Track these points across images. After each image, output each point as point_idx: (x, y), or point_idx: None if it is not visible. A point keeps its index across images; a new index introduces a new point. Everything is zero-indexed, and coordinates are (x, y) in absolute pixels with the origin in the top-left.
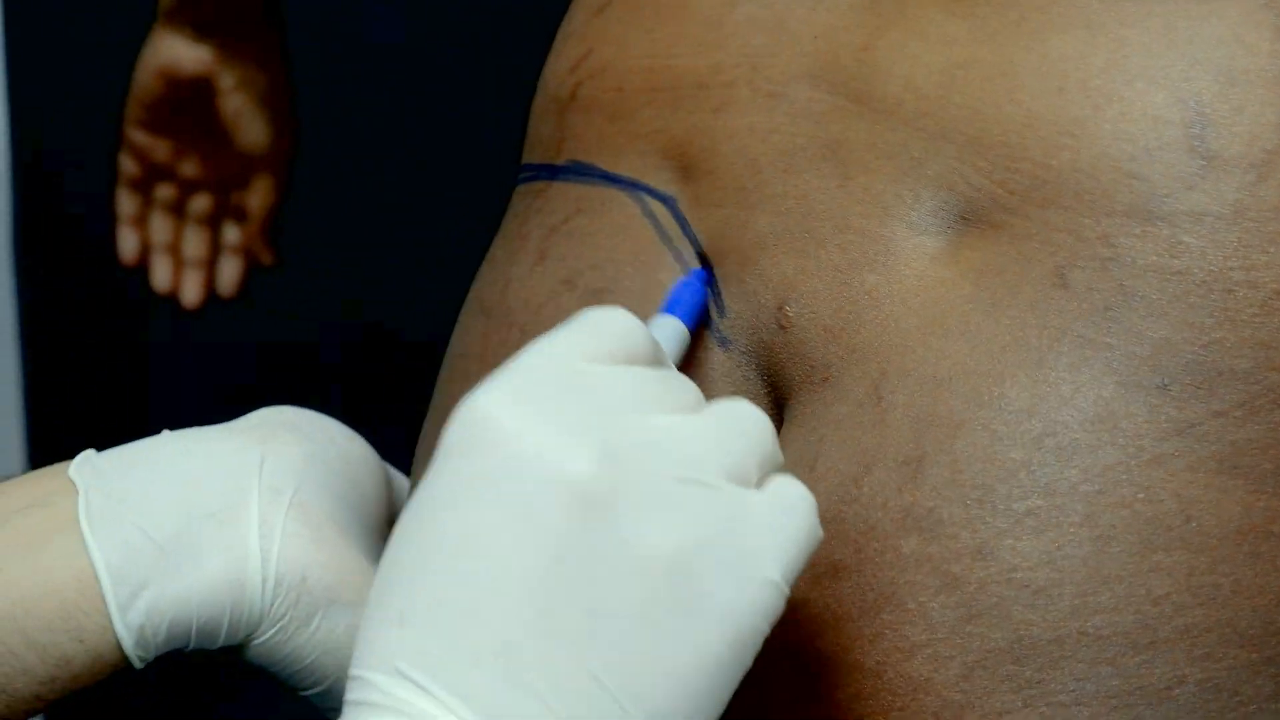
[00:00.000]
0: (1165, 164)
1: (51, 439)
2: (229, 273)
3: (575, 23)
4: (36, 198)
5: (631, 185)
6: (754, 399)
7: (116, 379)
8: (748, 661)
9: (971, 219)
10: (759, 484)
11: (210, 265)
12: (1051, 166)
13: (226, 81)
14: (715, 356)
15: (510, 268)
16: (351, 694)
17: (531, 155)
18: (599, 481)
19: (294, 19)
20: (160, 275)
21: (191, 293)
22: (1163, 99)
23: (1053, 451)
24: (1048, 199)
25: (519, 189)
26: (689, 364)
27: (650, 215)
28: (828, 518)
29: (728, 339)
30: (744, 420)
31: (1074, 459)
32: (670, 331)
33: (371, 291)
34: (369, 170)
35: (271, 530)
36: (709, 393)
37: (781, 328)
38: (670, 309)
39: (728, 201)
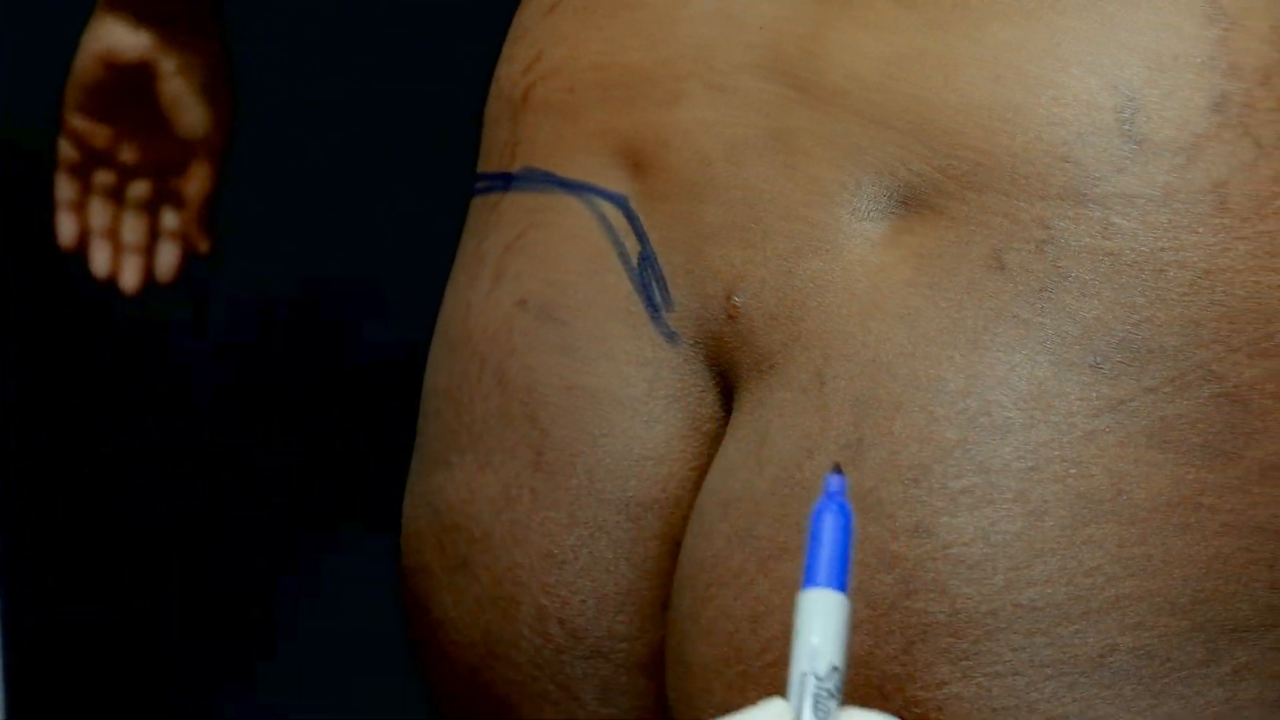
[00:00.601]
0: (1097, 148)
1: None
2: (167, 258)
3: (525, 24)
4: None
5: (583, 189)
6: (703, 391)
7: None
8: None
9: (912, 204)
10: None
11: (149, 251)
12: (989, 152)
13: (166, 67)
14: (663, 353)
15: (470, 292)
16: None
17: (487, 163)
18: None
19: (246, 21)
20: (99, 260)
21: (130, 278)
22: (1095, 85)
23: (987, 430)
24: (985, 183)
25: (475, 201)
26: (633, 363)
27: (601, 218)
28: (773, 502)
29: (675, 333)
30: None
31: (1008, 437)
32: (834, 616)
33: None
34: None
35: None
36: (657, 389)
37: (730, 317)
38: (818, 577)
39: (677, 196)
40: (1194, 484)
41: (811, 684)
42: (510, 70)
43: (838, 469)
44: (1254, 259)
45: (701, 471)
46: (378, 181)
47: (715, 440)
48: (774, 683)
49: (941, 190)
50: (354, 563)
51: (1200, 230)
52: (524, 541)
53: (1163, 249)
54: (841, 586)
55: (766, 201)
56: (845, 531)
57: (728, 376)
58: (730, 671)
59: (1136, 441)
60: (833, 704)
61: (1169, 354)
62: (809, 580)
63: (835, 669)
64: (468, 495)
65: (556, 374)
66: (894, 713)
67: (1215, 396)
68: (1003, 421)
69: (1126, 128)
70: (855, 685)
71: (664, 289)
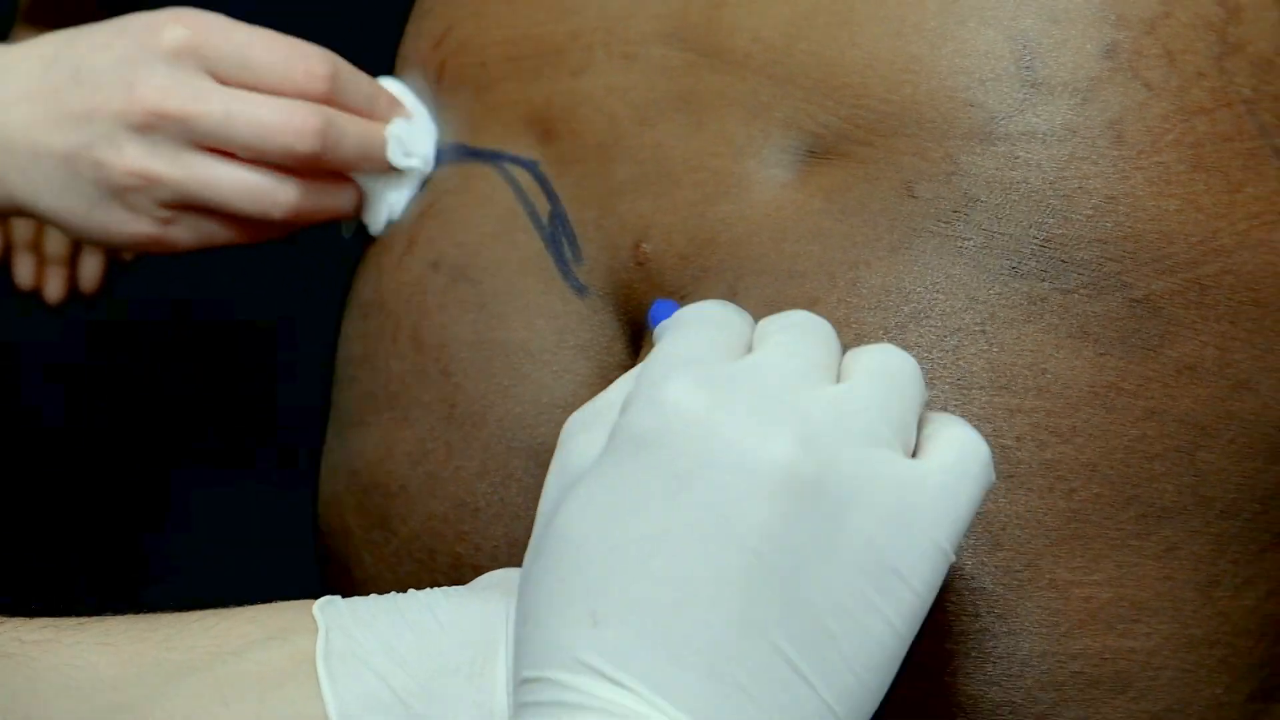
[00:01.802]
0: (999, 92)
1: None
2: (90, 269)
3: (431, 0)
4: None
5: (494, 156)
6: (611, 339)
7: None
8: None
9: (819, 152)
10: (919, 429)
11: (72, 262)
12: (894, 101)
13: None
14: (572, 305)
15: (383, 259)
16: (536, 695)
17: None
18: (803, 465)
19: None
20: (23, 272)
21: (54, 289)
22: (993, 35)
23: (910, 316)
24: (892, 129)
25: None
26: (544, 316)
27: (512, 181)
28: None
29: (584, 286)
30: (898, 370)
31: (929, 320)
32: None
33: (234, 284)
34: None
35: None
36: (567, 340)
37: (639, 264)
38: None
39: (587, 157)
40: (1115, 371)
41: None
42: (419, 46)
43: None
44: (1152, 185)
45: None
46: None
47: None
48: None
49: (849, 138)
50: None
51: (1100, 161)
52: (439, 492)
53: (1066, 178)
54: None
55: (676, 157)
56: (675, 305)
57: (636, 322)
58: None
59: (1057, 331)
60: None
61: (1081, 265)
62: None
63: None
64: (385, 452)
65: (469, 330)
66: None
67: (1129, 301)
68: (925, 306)
69: (1026, 73)
70: None
71: (574, 244)
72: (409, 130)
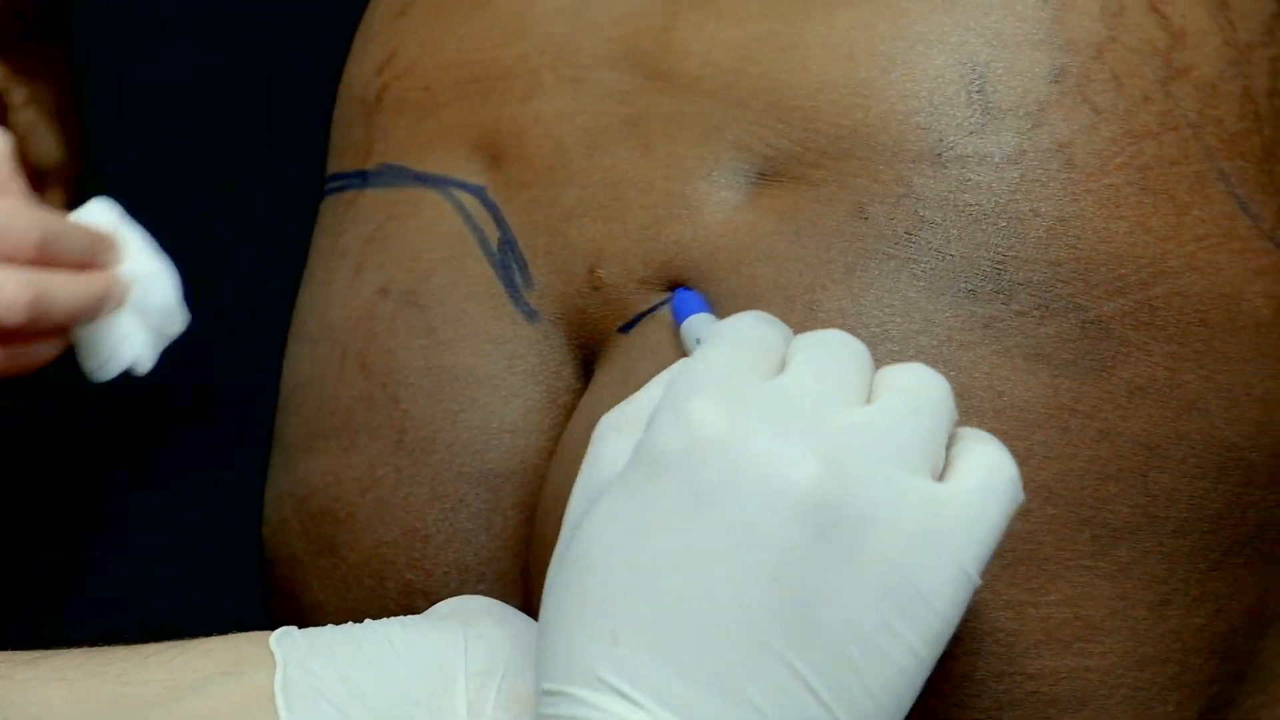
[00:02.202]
0: (950, 116)
1: None
2: None
3: (375, 26)
4: None
5: (441, 182)
6: (560, 365)
7: None
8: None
9: (770, 175)
10: (948, 447)
11: None
12: (845, 125)
13: (16, 98)
14: (522, 330)
15: (329, 286)
16: (556, 709)
17: (340, 163)
18: (826, 489)
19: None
20: None
21: None
22: (943, 60)
23: (867, 339)
24: (844, 152)
25: (328, 200)
26: (493, 341)
27: (460, 208)
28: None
29: (535, 311)
30: (928, 391)
31: (886, 343)
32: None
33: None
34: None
35: (480, 717)
36: (516, 365)
37: (594, 289)
38: (691, 307)
39: (536, 182)
40: (1069, 392)
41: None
42: (362, 71)
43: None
44: (1102, 208)
45: (557, 442)
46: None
47: (571, 412)
48: None
49: (800, 160)
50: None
51: (1050, 184)
52: (389, 519)
53: (1017, 200)
54: (706, 308)
55: (627, 181)
56: (698, 297)
57: (588, 346)
58: None
59: (1011, 354)
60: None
61: (1034, 286)
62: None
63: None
64: (333, 479)
65: (418, 356)
66: None
67: (1082, 323)
68: (881, 331)
69: (976, 97)
70: None
71: (524, 270)
72: (137, 273)
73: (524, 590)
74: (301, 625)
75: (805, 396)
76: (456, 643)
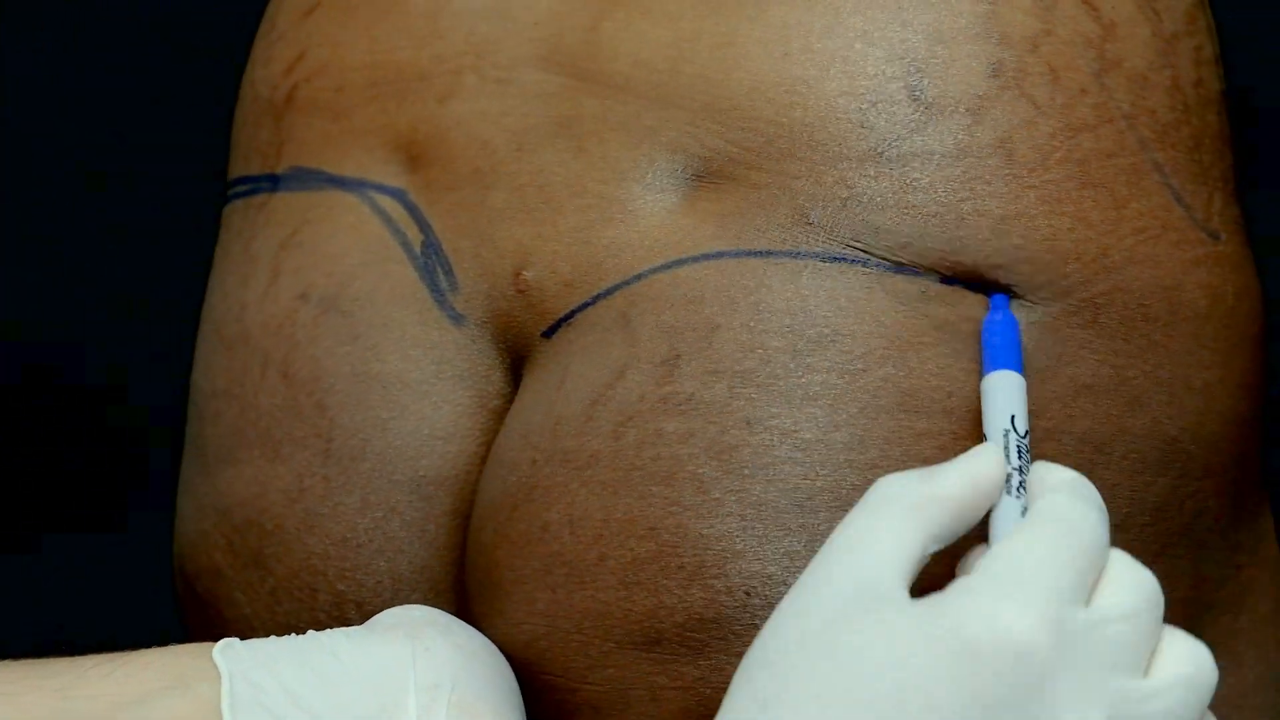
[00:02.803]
0: (890, 114)
1: None
2: None
3: (281, 26)
4: None
5: (358, 185)
6: (489, 369)
7: None
8: None
9: (706, 176)
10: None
11: None
12: (783, 123)
13: None
14: (449, 334)
15: (243, 292)
16: None
17: (246, 166)
18: (1043, 656)
19: None
20: None
21: None
22: (881, 56)
23: (814, 340)
24: (784, 152)
25: (234, 205)
26: (420, 346)
27: (380, 211)
28: (582, 420)
29: (461, 315)
30: (1208, 680)
31: (836, 343)
32: (1017, 388)
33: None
34: (53, 188)
35: None
36: (445, 370)
37: (520, 291)
38: (998, 360)
39: (460, 185)
40: None
41: (1014, 439)
42: (268, 73)
43: (996, 291)
44: (1044, 204)
45: (489, 447)
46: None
47: (501, 416)
48: (603, 578)
49: (738, 161)
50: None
51: (993, 181)
52: (318, 529)
53: (961, 200)
54: (1018, 368)
55: (557, 183)
56: (1013, 327)
57: (516, 350)
58: (553, 577)
59: (961, 356)
60: (1027, 456)
61: (983, 288)
62: (990, 367)
63: (1029, 431)
64: (258, 490)
65: (344, 363)
66: (738, 573)
67: (1029, 324)
68: (830, 331)
69: (916, 94)
70: (703, 565)
71: (449, 273)
72: None
73: (457, 598)
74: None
75: (1109, 649)
76: (404, 655)
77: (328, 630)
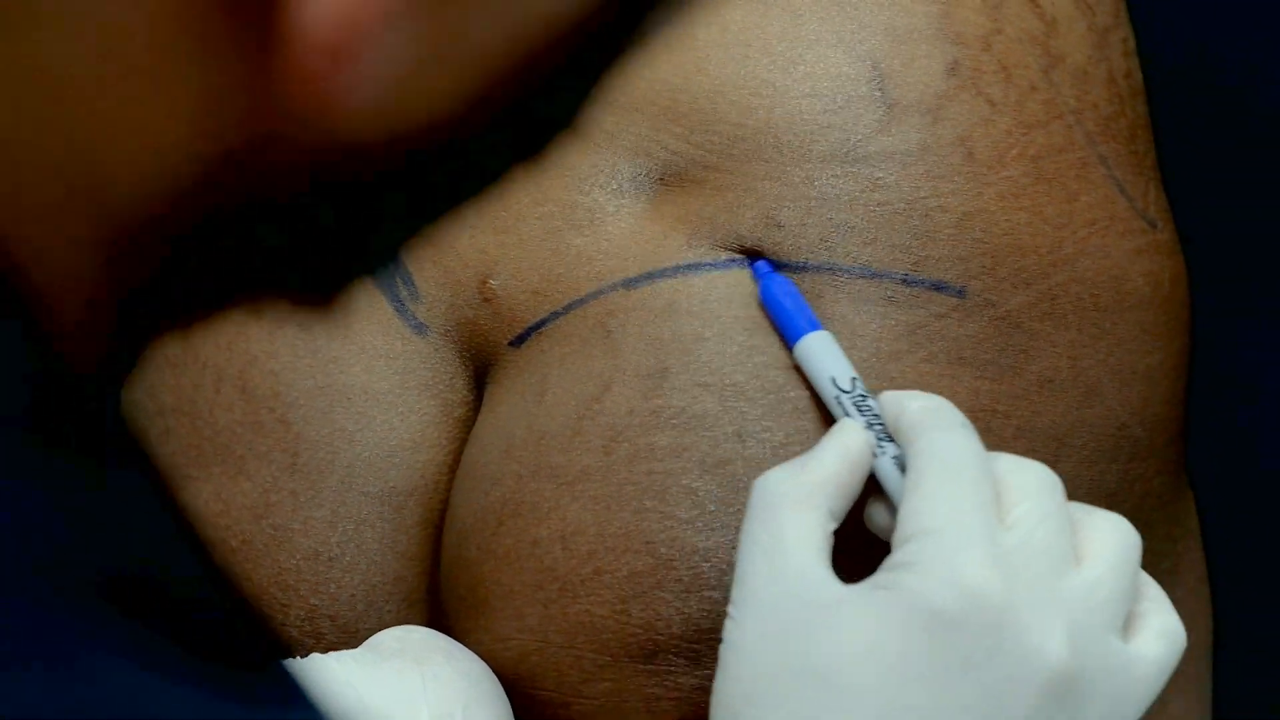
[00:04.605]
0: (854, 114)
1: None
2: None
3: None
4: None
5: None
6: (453, 378)
7: None
8: None
9: (671, 180)
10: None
11: None
12: (747, 125)
13: None
14: (412, 345)
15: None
16: None
17: None
18: (1068, 662)
19: None
20: None
21: None
22: (842, 57)
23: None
24: (749, 153)
25: None
26: (384, 357)
27: None
28: (569, 434)
29: (424, 325)
30: (1133, 551)
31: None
32: (828, 345)
33: None
34: None
35: None
36: (409, 380)
37: (486, 300)
38: (794, 328)
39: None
40: (989, 394)
41: (847, 398)
42: None
43: (756, 259)
44: (1002, 200)
45: (456, 456)
46: None
47: (466, 424)
48: (598, 592)
49: (702, 164)
50: None
51: (955, 179)
52: (288, 545)
53: (924, 197)
54: (818, 326)
55: (518, 192)
56: (791, 288)
57: (480, 359)
58: (544, 592)
59: (937, 359)
60: (869, 400)
61: (949, 287)
62: (794, 337)
63: (854, 379)
64: (221, 507)
65: (306, 376)
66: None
67: (994, 320)
68: None
69: (878, 94)
70: (693, 578)
71: (409, 283)
72: None
73: (430, 609)
74: None
75: (1044, 559)
76: (415, 684)
77: (333, 654)
